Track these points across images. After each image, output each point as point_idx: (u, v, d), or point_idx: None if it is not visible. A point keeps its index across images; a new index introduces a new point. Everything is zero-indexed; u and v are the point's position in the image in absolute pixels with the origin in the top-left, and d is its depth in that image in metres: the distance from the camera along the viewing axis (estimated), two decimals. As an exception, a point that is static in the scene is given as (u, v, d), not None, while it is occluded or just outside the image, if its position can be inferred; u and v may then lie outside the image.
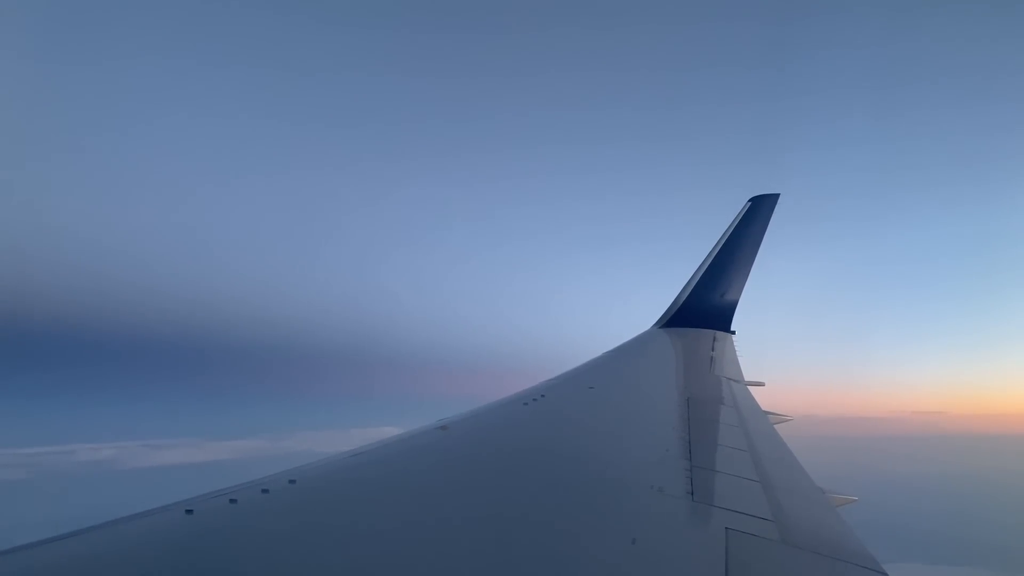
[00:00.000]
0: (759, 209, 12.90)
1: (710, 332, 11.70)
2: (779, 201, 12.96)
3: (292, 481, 3.17)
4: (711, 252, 12.86)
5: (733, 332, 12.15)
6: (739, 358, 10.57)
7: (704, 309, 12.22)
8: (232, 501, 2.83)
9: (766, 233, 12.70)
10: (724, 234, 12.88)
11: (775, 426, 7.05)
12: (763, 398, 8.14)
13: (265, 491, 2.99)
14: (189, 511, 2.69)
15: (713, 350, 10.45)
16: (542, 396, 5.87)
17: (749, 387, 8.75)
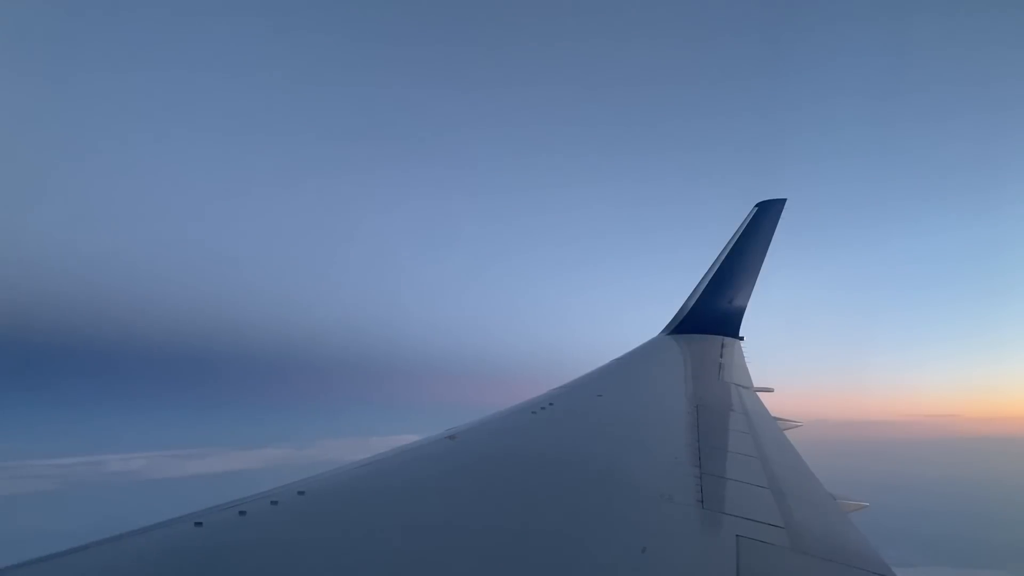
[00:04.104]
0: (766, 214, 12.87)
1: (718, 338, 11.66)
2: (786, 206, 12.95)
3: (301, 492, 3.18)
4: (718, 257, 12.83)
5: (741, 338, 12.10)
6: (748, 364, 10.52)
7: (712, 315, 12.18)
8: (241, 513, 2.84)
9: (773, 238, 12.69)
10: (731, 239, 12.85)
11: (785, 432, 7.01)
12: (772, 404, 8.10)
13: (274, 503, 3.00)
14: (198, 523, 2.70)
15: (721, 356, 10.42)
16: (550, 404, 5.86)
17: (758, 393, 8.71)
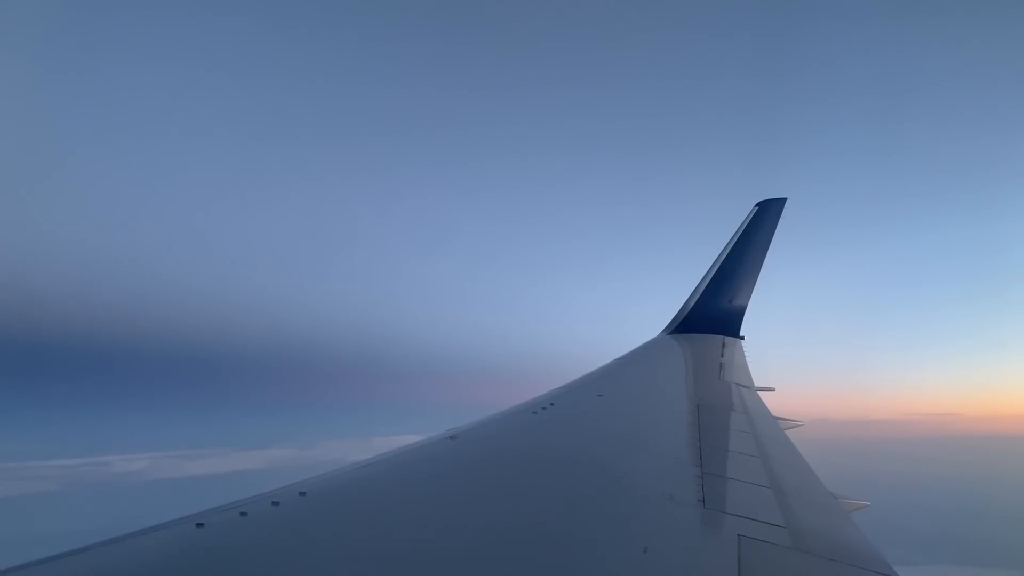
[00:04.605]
0: (766, 213, 12.87)
1: (719, 338, 11.66)
2: (787, 205, 12.95)
3: (302, 493, 3.19)
4: (719, 257, 12.83)
5: (742, 337, 12.11)
6: (749, 363, 10.53)
7: (713, 314, 12.18)
8: (243, 514, 2.85)
9: (774, 237, 12.69)
10: (732, 239, 12.85)
11: (786, 431, 7.02)
12: (774, 403, 8.10)
13: (276, 503, 3.01)
14: (200, 524, 2.70)
15: (722, 356, 10.42)
16: (551, 404, 5.87)
17: (759, 392, 8.71)
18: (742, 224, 12.93)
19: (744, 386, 8.74)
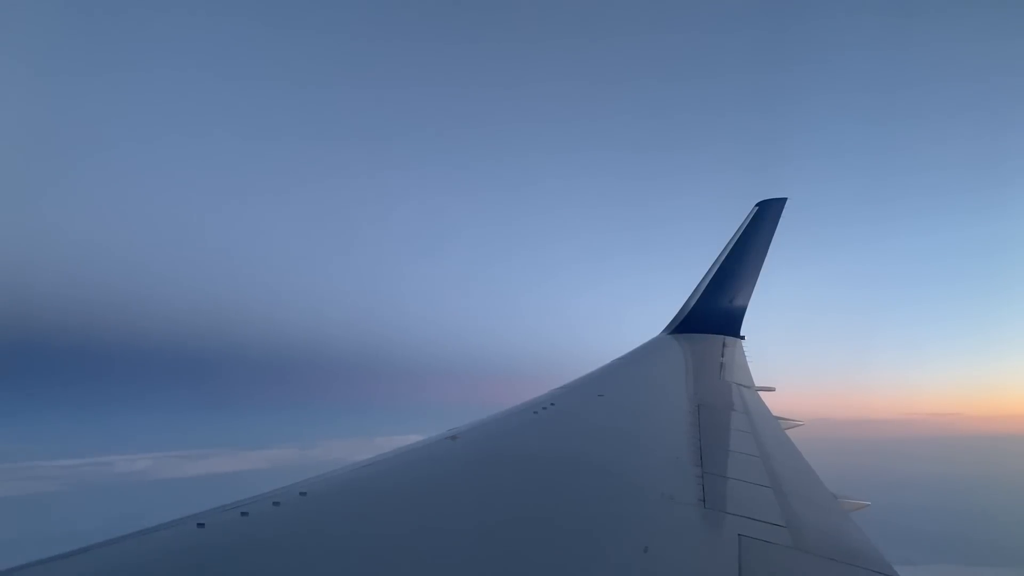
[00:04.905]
0: (767, 213, 12.88)
1: (719, 337, 11.67)
2: (787, 205, 12.95)
3: (303, 493, 3.19)
4: (719, 257, 12.84)
5: (743, 337, 12.12)
6: (749, 363, 10.53)
7: (713, 314, 12.20)
8: (243, 514, 2.85)
9: (774, 237, 12.70)
10: (732, 239, 12.86)
11: (786, 431, 7.02)
12: (774, 403, 8.10)
13: (276, 504, 3.01)
14: (200, 524, 2.71)
15: (723, 356, 10.42)
16: (552, 404, 5.87)
17: (760, 392, 8.72)
18: (742, 224, 12.93)
19: (744, 386, 8.74)
